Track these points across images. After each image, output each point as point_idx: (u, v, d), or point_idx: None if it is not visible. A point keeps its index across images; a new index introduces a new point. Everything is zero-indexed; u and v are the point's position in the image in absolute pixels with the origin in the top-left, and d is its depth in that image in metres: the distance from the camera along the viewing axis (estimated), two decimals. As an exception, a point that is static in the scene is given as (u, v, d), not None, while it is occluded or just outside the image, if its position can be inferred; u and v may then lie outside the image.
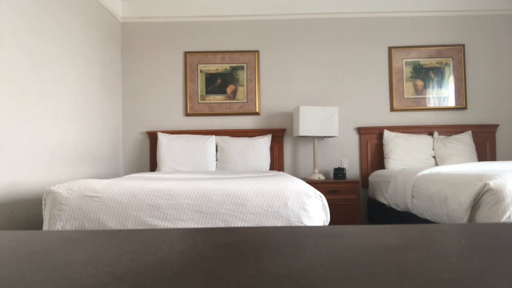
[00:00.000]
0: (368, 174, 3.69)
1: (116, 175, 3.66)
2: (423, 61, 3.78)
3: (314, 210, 1.71)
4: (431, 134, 3.69)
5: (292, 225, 1.69)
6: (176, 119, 3.80)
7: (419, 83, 3.78)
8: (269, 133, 3.70)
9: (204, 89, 3.80)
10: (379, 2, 3.78)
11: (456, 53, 3.76)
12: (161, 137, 3.52)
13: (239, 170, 3.26)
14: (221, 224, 1.63)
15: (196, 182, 1.82)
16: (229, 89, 3.79)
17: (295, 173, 3.76)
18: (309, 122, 3.32)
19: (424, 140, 3.53)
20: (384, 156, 3.60)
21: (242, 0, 3.81)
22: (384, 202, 3.13)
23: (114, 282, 0.17)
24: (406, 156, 3.46)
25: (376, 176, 3.41)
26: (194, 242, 0.25)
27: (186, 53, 3.80)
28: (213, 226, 1.66)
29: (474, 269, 0.18)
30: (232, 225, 1.64)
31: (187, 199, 1.69)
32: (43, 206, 1.78)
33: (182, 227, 1.65)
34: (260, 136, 3.62)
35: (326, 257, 0.20)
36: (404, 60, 3.79)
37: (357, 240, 0.25)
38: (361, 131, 3.73)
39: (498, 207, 1.76)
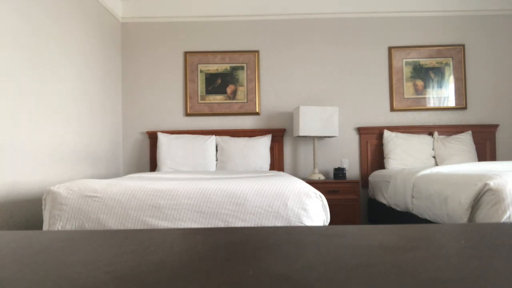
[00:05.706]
0: (368, 174, 3.69)
1: (116, 175, 3.66)
2: (423, 61, 3.78)
3: (314, 210, 1.71)
4: (431, 134, 3.69)
5: (292, 225, 1.69)
6: (176, 119, 3.80)
7: (419, 83, 3.78)
8: (269, 133, 3.70)
9: (204, 89, 3.80)
10: (379, 2, 3.78)
11: (456, 53, 3.76)
12: (161, 137, 3.52)
13: (239, 170, 3.26)
14: (221, 224, 1.63)
15: (196, 182, 1.82)
16: (229, 89, 3.79)
17: (295, 173, 3.76)
18: (309, 122, 3.32)
19: (424, 140, 3.53)
20: (384, 156, 3.59)
21: (242, 0, 3.81)
22: (384, 202, 3.13)
23: (114, 282, 0.17)
24: (406, 156, 3.46)
25: (376, 176, 3.41)
26: (194, 242, 0.25)
27: (186, 53, 3.80)
28: (213, 226, 1.66)
29: (474, 269, 0.18)
30: (232, 225, 1.64)
31: (187, 199, 1.69)
32: (43, 206, 1.78)
33: (182, 227, 1.65)
34: (260, 136, 3.62)
35: (326, 257, 0.20)
36: (404, 60, 3.79)
37: (357, 240, 0.25)
38: (361, 131, 3.73)
39: (498, 207, 1.76)
